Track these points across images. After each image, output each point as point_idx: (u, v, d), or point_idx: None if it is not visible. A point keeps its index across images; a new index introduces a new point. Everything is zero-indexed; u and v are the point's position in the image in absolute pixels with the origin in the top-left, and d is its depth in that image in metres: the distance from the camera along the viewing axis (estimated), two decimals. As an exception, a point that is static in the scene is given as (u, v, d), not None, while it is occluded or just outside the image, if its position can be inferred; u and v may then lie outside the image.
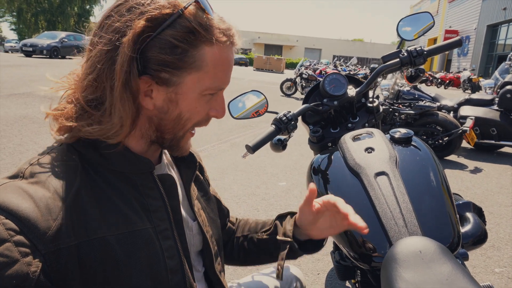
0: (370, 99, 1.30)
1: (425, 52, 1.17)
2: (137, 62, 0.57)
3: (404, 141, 1.06)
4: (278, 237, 0.86)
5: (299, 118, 1.24)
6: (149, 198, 0.65)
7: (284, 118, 1.11)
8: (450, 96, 5.74)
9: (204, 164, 0.94)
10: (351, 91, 1.25)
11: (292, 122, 1.11)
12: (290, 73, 19.56)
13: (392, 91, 5.47)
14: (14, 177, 0.57)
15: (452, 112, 5.29)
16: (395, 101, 5.28)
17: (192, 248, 0.76)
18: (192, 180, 0.80)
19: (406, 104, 4.99)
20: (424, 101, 4.95)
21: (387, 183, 0.92)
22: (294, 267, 1.13)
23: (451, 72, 22.44)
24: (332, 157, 1.10)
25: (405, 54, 1.18)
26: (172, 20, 0.57)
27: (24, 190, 0.54)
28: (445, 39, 29.63)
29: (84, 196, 0.57)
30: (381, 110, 1.32)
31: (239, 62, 34.00)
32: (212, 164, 4.05)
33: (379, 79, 1.25)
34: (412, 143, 1.06)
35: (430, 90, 6.00)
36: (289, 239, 0.84)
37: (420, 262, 0.73)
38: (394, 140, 1.07)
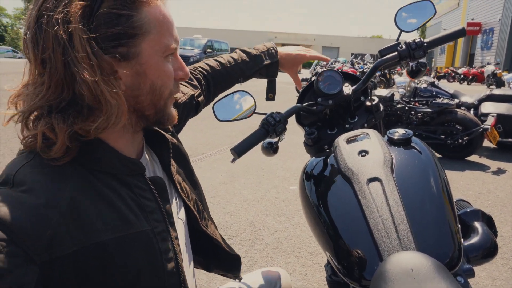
0: (370, 97, 1.23)
1: (425, 44, 1.08)
2: (96, 42, 0.55)
3: (402, 143, 0.98)
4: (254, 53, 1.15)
5: (294, 119, 1.18)
6: (144, 199, 0.66)
7: (272, 119, 1.04)
8: (474, 93, 5.49)
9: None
10: (347, 89, 1.17)
11: (281, 124, 1.05)
12: (306, 73, 19.37)
13: (408, 88, 5.30)
14: (2, 184, 0.55)
15: (472, 109, 5.05)
16: (411, 99, 5.10)
17: (181, 227, 0.78)
18: (170, 160, 0.80)
19: (423, 102, 4.81)
20: (442, 98, 4.75)
21: (380, 190, 0.85)
22: (279, 269, 1.09)
23: (474, 67, 21.67)
24: (326, 161, 1.03)
25: (404, 47, 1.10)
26: None
27: (15, 198, 0.53)
28: (468, 32, 28.65)
29: (80, 200, 0.56)
30: (381, 108, 1.24)
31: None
32: (223, 167, 4.02)
33: (377, 74, 1.17)
34: (412, 144, 0.98)
35: (452, 86, 5.79)
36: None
37: (411, 281, 0.66)
38: (391, 142, 0.99)
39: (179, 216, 0.80)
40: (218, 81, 1.14)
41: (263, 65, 1.16)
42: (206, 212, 0.90)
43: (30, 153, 0.59)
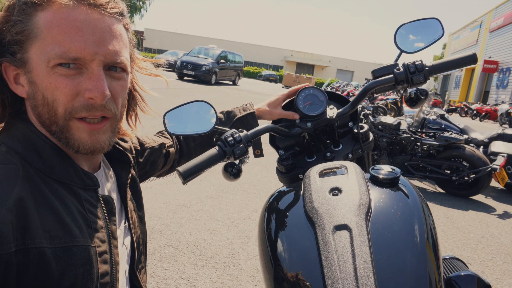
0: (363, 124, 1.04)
1: (426, 68, 0.91)
2: None
3: (387, 183, 0.79)
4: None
5: (257, 141, 1.00)
6: (92, 215, 0.63)
7: (231, 138, 0.86)
8: (485, 130, 5.26)
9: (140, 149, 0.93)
10: (332, 111, 1.00)
11: (241, 146, 0.86)
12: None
13: (416, 118, 5.11)
14: None
15: (482, 147, 4.83)
16: (419, 129, 4.90)
17: (123, 254, 0.74)
18: (128, 183, 0.78)
19: (430, 134, 4.61)
20: (451, 133, 4.54)
21: (348, 242, 0.66)
22: None
23: (488, 104, 21.39)
24: (294, 194, 0.85)
25: (401, 69, 0.92)
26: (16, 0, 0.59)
27: None
28: (484, 70, 28.58)
29: (25, 201, 0.54)
30: (370, 138, 1.05)
31: (269, 78, 34.24)
32: (214, 180, 3.83)
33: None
34: (399, 185, 0.79)
35: (464, 121, 5.57)
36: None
37: None
38: (374, 181, 0.80)
39: (124, 243, 0.75)
40: (190, 139, 1.07)
41: (237, 118, 1.09)
42: (144, 257, 0.84)
43: None
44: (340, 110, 1.00)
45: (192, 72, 15.09)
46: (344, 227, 0.68)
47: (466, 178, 4.22)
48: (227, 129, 0.91)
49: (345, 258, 0.64)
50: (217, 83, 16.26)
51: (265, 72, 37.53)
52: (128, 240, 0.77)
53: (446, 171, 4.42)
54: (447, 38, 42.35)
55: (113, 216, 0.68)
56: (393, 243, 0.67)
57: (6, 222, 0.51)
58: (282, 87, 23.83)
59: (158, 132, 1.05)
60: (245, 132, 0.89)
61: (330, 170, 0.85)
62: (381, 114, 7.69)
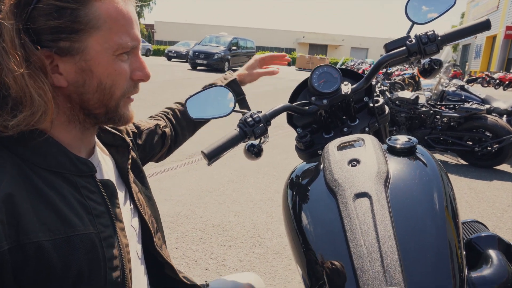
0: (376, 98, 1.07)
1: (439, 38, 0.92)
2: (28, 34, 0.54)
3: (404, 152, 0.82)
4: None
5: (278, 120, 1.04)
6: (91, 201, 0.62)
7: (251, 119, 0.91)
8: (509, 99, 5.10)
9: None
10: (346, 87, 1.02)
11: (260, 125, 0.91)
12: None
13: (435, 91, 5.00)
14: None
15: (505, 116, 4.70)
16: (438, 102, 4.81)
17: (132, 235, 0.75)
18: (129, 166, 0.78)
19: (450, 106, 4.52)
20: (471, 103, 4.44)
21: (368, 208, 0.70)
22: (253, 275, 1.03)
23: (512, 72, 20.58)
24: (314, 169, 0.89)
25: (413, 40, 0.94)
26: None
27: None
28: (506, 36, 27.29)
29: (15, 196, 0.53)
30: (386, 111, 1.08)
31: (281, 62, 33.77)
32: (234, 165, 3.91)
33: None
34: (416, 154, 0.82)
35: (486, 91, 5.41)
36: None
37: None
38: (392, 151, 0.83)
39: (132, 224, 0.75)
40: (181, 118, 1.10)
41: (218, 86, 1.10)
42: (161, 233, 0.86)
43: None
44: (354, 86, 1.03)
45: (205, 61, 15.13)
46: (364, 194, 0.72)
47: (489, 149, 4.14)
48: (245, 111, 0.95)
49: (366, 222, 0.67)
50: (230, 70, 16.29)
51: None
52: (136, 221, 0.77)
53: (468, 142, 4.34)
54: (465, 6, 40.64)
55: (116, 198, 0.68)
56: (412, 208, 0.71)
57: None
58: (296, 70, 23.56)
59: (149, 117, 1.08)
60: (263, 112, 0.93)
61: (347, 143, 0.88)
62: (399, 90, 7.54)
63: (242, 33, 25.62)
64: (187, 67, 15.58)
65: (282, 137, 4.74)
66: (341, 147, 0.87)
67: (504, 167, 4.39)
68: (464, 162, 4.48)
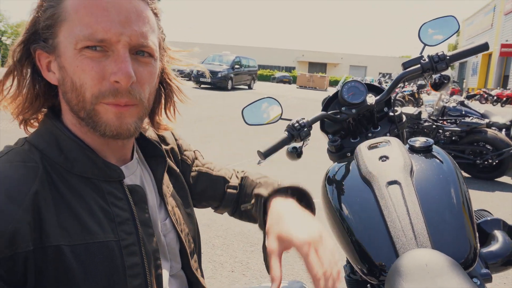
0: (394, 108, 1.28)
1: (447, 57, 1.13)
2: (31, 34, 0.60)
3: (423, 151, 1.02)
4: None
5: (317, 127, 1.24)
6: (116, 208, 0.61)
7: (297, 124, 1.11)
8: (507, 115, 5.33)
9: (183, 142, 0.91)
10: (371, 99, 1.23)
11: (305, 129, 1.11)
12: (333, 91, 19.29)
13: (436, 107, 5.24)
14: None
15: (504, 130, 4.92)
16: (439, 117, 5.03)
17: (165, 249, 0.73)
18: (163, 178, 0.75)
19: (451, 121, 4.74)
20: (471, 118, 4.67)
21: (399, 192, 0.89)
22: (301, 283, 1.11)
23: (509, 89, 20.95)
24: (347, 166, 1.08)
25: (426, 59, 1.15)
26: None
27: None
28: (502, 54, 27.61)
29: (42, 200, 0.54)
30: (404, 119, 1.29)
31: (282, 80, 34.40)
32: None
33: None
34: (433, 153, 1.02)
35: (485, 108, 5.63)
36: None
37: (425, 276, 0.69)
38: (413, 149, 1.03)
39: (165, 239, 0.74)
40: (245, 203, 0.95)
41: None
42: (197, 256, 0.82)
43: (6, 147, 0.61)
44: (377, 97, 1.24)
45: (208, 80, 15.49)
46: (394, 182, 0.91)
47: (490, 161, 4.34)
48: (291, 119, 1.16)
49: (398, 202, 0.87)
50: (233, 88, 16.59)
51: (278, 74, 37.76)
52: (171, 236, 0.75)
53: (469, 155, 4.53)
54: (461, 24, 41.55)
55: (145, 204, 0.66)
56: (433, 191, 0.90)
57: (23, 222, 0.51)
58: (297, 88, 23.93)
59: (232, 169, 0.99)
60: (306, 119, 1.14)
61: (376, 144, 1.09)
62: (399, 106, 7.78)
63: (244, 52, 26.23)
64: (191, 85, 15.91)
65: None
66: (371, 147, 1.07)
67: (504, 179, 4.57)
68: (466, 175, 4.65)
